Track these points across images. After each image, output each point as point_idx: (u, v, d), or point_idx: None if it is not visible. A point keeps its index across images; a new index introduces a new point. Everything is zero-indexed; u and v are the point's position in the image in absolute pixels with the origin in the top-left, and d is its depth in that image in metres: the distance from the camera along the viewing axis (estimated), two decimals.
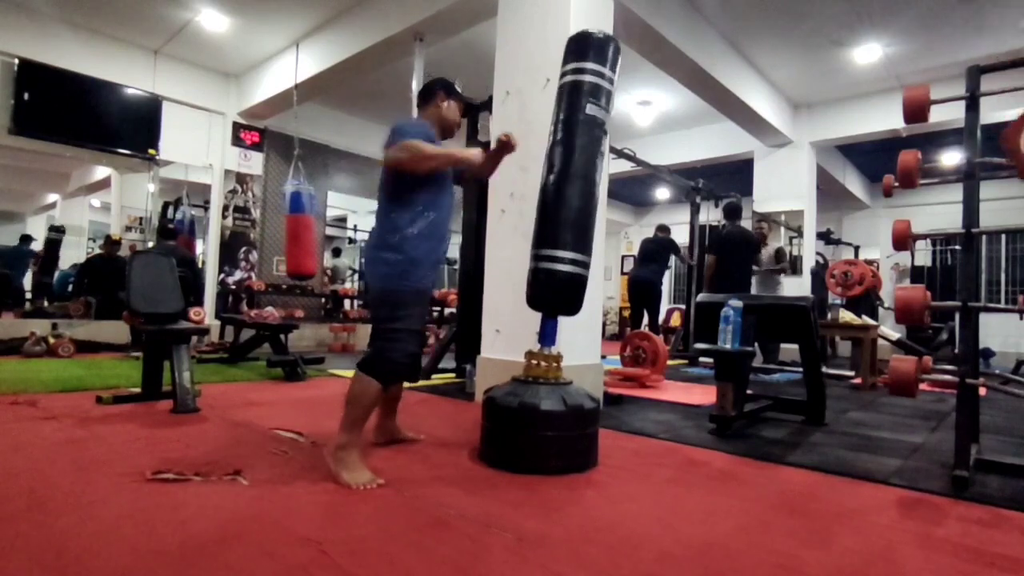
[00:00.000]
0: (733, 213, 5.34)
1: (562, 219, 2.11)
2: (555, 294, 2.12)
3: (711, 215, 7.35)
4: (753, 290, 5.68)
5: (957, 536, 1.52)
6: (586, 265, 2.13)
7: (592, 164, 2.16)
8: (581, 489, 1.81)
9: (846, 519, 1.62)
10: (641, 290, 6.06)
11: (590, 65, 2.18)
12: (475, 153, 2.00)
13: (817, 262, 7.36)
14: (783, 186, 6.73)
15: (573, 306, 2.15)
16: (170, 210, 6.77)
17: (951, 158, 7.44)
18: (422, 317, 2.01)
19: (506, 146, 2.05)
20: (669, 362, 4.97)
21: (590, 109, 2.15)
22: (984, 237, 8.03)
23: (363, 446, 1.94)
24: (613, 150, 4.87)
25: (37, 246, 7.83)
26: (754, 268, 5.50)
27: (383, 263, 1.95)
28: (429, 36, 4.50)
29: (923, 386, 2.50)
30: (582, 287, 2.14)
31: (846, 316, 5.11)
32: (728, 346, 2.61)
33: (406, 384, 2.44)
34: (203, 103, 6.32)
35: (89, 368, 4.05)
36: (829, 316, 5.32)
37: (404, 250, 1.94)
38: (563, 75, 2.25)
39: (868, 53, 5.34)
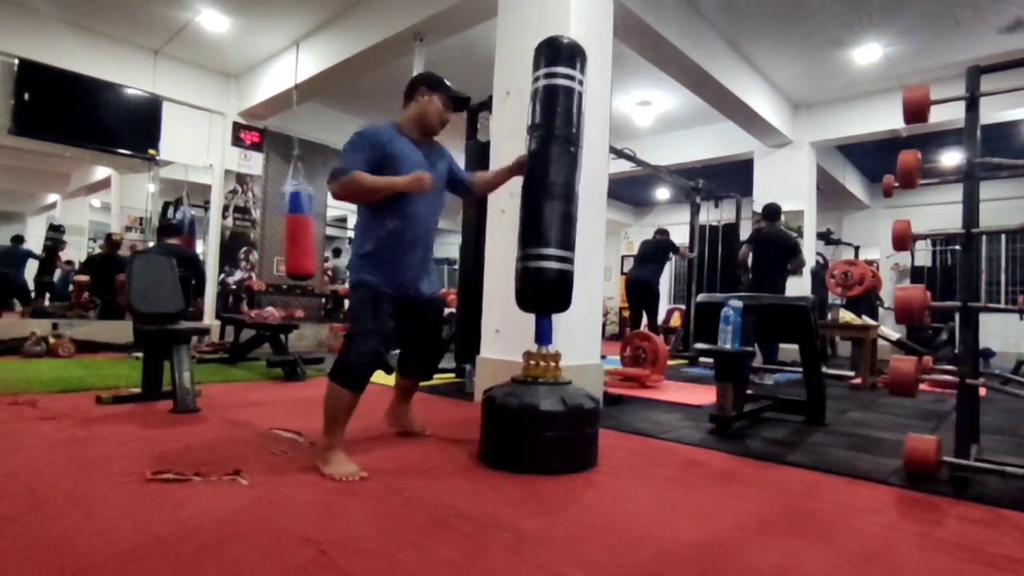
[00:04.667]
0: (772, 214, 5.27)
1: (545, 216, 2.11)
2: (544, 292, 2.12)
3: (711, 215, 7.35)
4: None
5: (957, 536, 1.52)
6: (571, 261, 2.14)
7: (571, 165, 2.17)
8: (581, 489, 1.81)
9: (846, 519, 1.62)
10: (639, 290, 6.06)
11: (562, 69, 2.18)
12: (409, 180, 1.96)
13: (817, 262, 7.36)
14: (783, 186, 6.73)
15: (562, 303, 2.15)
16: (170, 210, 6.78)
17: (951, 158, 7.44)
18: (382, 320, 1.99)
19: (521, 167, 2.21)
20: (669, 362, 4.97)
21: (564, 113, 2.17)
22: (984, 237, 8.01)
23: (347, 444, 1.98)
24: (613, 150, 4.87)
25: (26, 245, 7.85)
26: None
27: (351, 266, 2.10)
28: (429, 36, 4.50)
29: (923, 386, 2.49)
30: (569, 283, 2.15)
31: (846, 316, 5.11)
32: (728, 346, 2.61)
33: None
34: (203, 103, 6.32)
35: (89, 368, 4.05)
36: (829, 316, 5.32)
37: (363, 256, 2.05)
38: (535, 79, 2.24)
39: (868, 53, 5.34)
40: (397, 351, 2.31)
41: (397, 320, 2.06)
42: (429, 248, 2.20)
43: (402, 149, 2.06)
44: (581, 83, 2.23)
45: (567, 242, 2.13)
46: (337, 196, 2.01)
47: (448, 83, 2.22)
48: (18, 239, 7.95)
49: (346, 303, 8.25)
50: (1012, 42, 4.86)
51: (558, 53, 2.22)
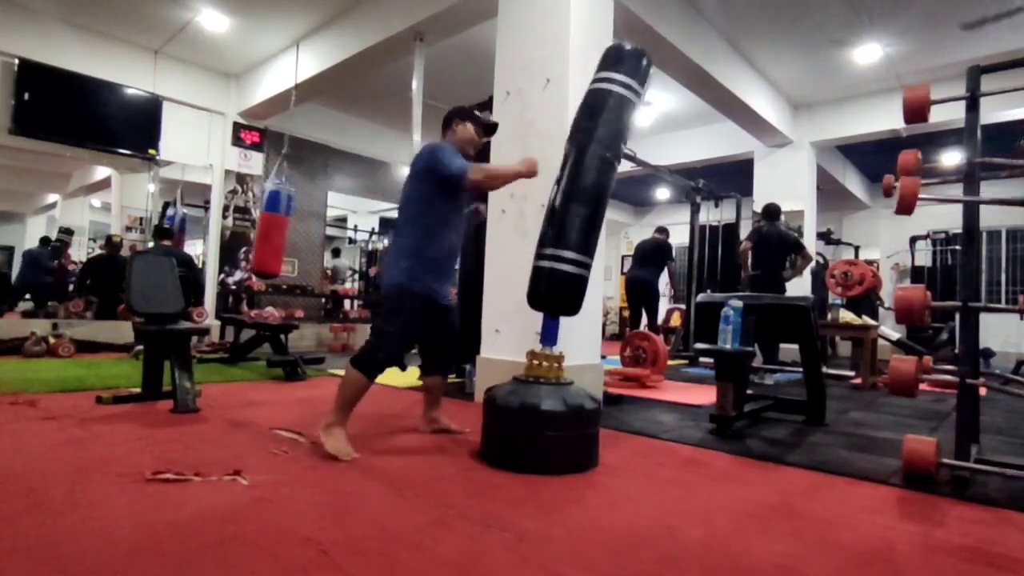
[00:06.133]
0: (772, 214, 5.25)
1: (570, 220, 2.12)
2: (557, 294, 2.12)
3: (711, 215, 7.35)
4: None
5: (957, 536, 1.52)
6: (588, 267, 2.14)
7: (607, 173, 2.19)
8: (581, 489, 1.81)
9: (847, 519, 1.62)
10: (638, 290, 6.05)
11: (620, 76, 2.23)
12: (525, 166, 2.21)
13: (817, 262, 7.36)
14: (783, 186, 6.73)
15: (574, 306, 2.15)
16: (170, 209, 6.78)
17: (951, 158, 7.44)
18: (415, 323, 2.23)
19: (528, 169, 2.24)
20: (669, 362, 4.97)
21: (613, 120, 2.20)
22: (984, 238, 8.02)
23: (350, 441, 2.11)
24: None
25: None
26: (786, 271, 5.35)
27: (394, 269, 2.23)
28: (429, 36, 4.50)
29: (923, 386, 2.50)
30: (583, 288, 2.15)
31: (846, 316, 5.11)
32: (728, 346, 2.61)
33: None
34: (203, 103, 6.32)
35: (89, 368, 4.05)
36: (829, 316, 5.32)
37: (412, 262, 2.21)
38: (595, 81, 2.30)
39: (868, 53, 5.34)
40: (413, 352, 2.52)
41: (423, 323, 2.28)
42: (456, 257, 2.41)
43: None
44: (638, 94, 2.27)
45: (588, 247, 2.14)
46: (479, 186, 2.30)
47: (479, 114, 2.44)
48: (46, 241, 7.91)
49: (346, 303, 8.28)
50: (1012, 42, 4.86)
51: (621, 59, 2.27)
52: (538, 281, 2.14)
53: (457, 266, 2.53)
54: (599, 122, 2.18)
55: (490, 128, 2.48)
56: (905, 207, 1.97)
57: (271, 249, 4.83)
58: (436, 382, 2.50)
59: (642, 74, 2.28)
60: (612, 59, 2.30)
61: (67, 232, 7.76)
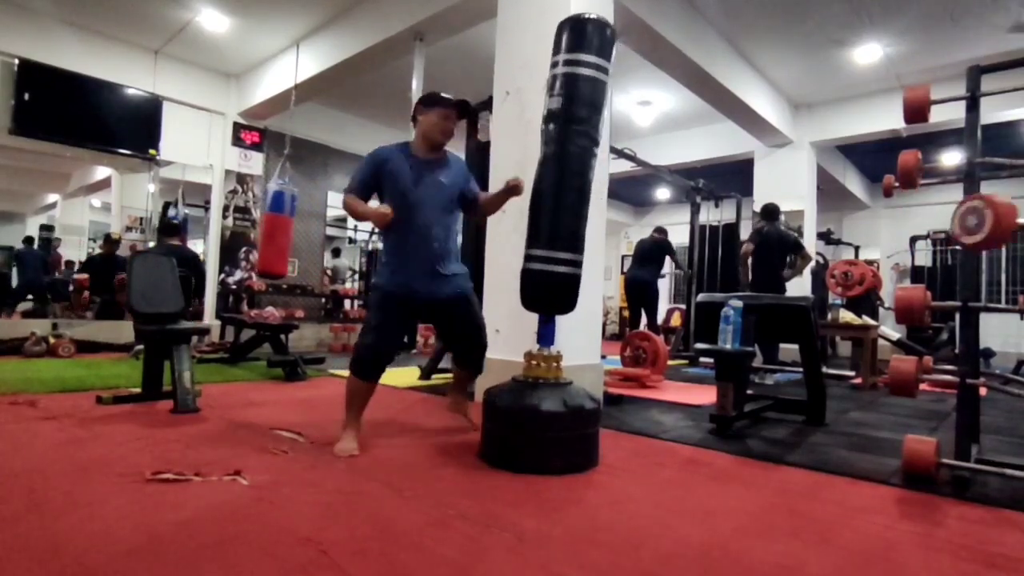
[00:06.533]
0: (771, 214, 5.24)
1: (554, 218, 2.09)
2: (549, 294, 2.11)
3: (711, 215, 7.35)
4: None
5: (957, 536, 1.52)
6: (578, 264, 2.12)
7: (586, 162, 2.13)
8: (581, 489, 1.81)
9: (846, 519, 1.62)
10: (637, 290, 6.06)
11: (586, 57, 2.08)
12: (373, 214, 2.13)
13: (817, 262, 7.36)
14: (783, 186, 6.73)
15: (567, 305, 2.14)
16: (170, 209, 6.78)
17: (951, 158, 7.44)
18: (390, 320, 2.24)
19: (513, 190, 2.22)
20: (669, 362, 4.97)
21: (585, 107, 2.10)
22: None
23: (363, 430, 2.25)
24: (613, 150, 4.87)
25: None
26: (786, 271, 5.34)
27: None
28: (429, 36, 4.50)
29: (923, 386, 2.49)
30: (575, 286, 2.13)
31: (846, 316, 5.11)
32: (728, 346, 2.61)
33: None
34: (203, 103, 6.32)
35: (89, 368, 4.04)
36: (829, 316, 5.32)
37: (380, 262, 2.38)
38: (555, 64, 2.15)
39: (868, 53, 5.34)
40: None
41: (426, 320, 2.38)
42: (438, 252, 2.26)
43: (398, 168, 2.22)
44: (607, 72, 2.12)
45: (576, 244, 2.10)
46: (345, 209, 2.30)
47: (444, 96, 2.29)
48: (30, 240, 7.93)
49: (346, 303, 8.32)
50: (1012, 42, 4.86)
51: (583, 37, 2.09)
52: (528, 283, 2.12)
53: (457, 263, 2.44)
54: (574, 111, 2.07)
55: (461, 109, 2.32)
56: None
57: (276, 250, 4.83)
58: (463, 374, 2.62)
59: (608, 51, 2.12)
60: (575, 38, 2.11)
61: (48, 228, 7.80)
